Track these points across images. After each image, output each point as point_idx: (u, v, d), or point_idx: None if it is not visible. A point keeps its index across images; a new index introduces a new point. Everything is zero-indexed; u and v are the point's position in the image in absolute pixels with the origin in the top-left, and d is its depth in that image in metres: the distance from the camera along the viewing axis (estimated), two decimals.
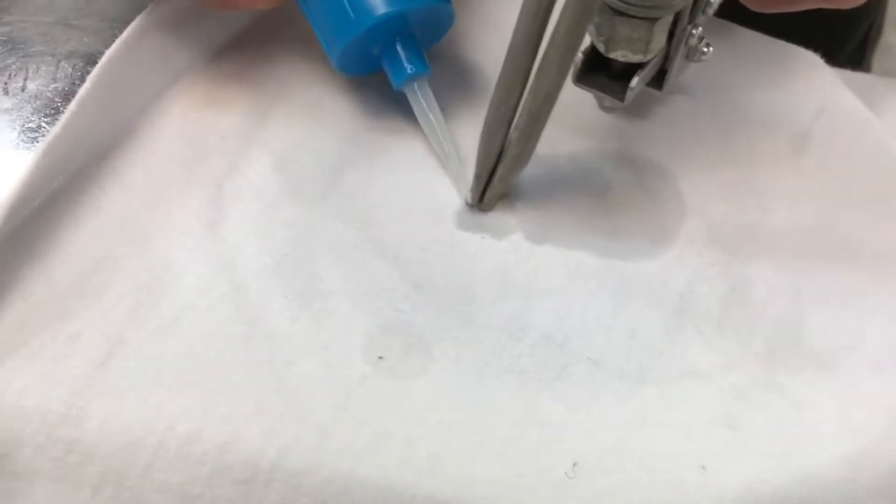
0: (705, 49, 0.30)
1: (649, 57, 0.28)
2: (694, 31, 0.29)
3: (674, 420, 0.26)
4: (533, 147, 0.28)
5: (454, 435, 0.26)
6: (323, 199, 0.31)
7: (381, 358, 0.27)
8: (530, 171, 0.30)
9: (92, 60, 0.34)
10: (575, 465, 0.25)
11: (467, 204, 0.31)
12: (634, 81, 0.29)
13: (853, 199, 0.31)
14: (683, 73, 0.32)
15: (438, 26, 0.32)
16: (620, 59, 0.28)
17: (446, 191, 0.31)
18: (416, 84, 0.31)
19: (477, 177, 0.29)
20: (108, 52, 0.32)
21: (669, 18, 0.28)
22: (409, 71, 0.31)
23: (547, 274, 0.29)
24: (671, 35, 0.29)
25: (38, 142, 0.32)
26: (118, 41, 0.32)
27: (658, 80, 0.31)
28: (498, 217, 0.31)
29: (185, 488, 0.25)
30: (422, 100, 0.31)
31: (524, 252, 0.30)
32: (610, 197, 0.31)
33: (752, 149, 0.32)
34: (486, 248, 0.30)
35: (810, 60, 0.34)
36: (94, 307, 0.28)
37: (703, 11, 0.29)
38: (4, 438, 0.25)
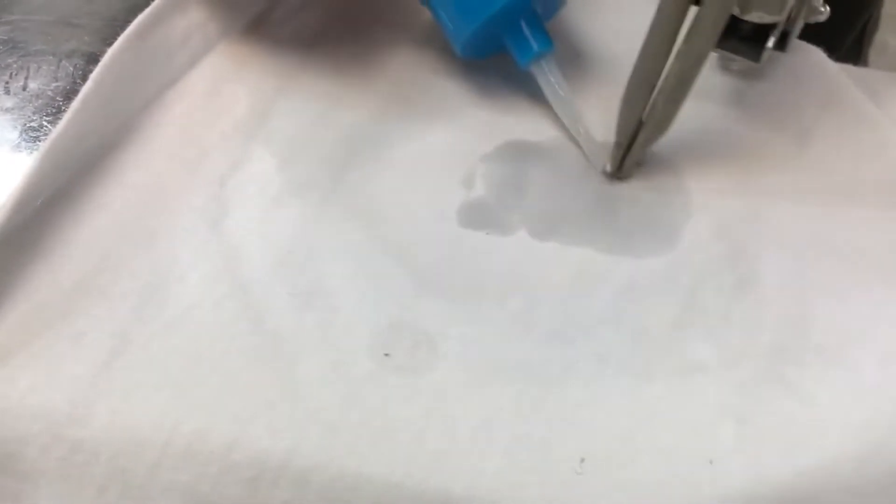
0: (822, 8, 0.30)
1: (783, 17, 0.28)
2: None
3: (681, 415, 0.26)
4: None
5: (461, 431, 0.26)
6: (327, 195, 0.31)
7: (387, 355, 0.27)
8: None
9: (93, 59, 0.34)
10: (583, 460, 0.25)
11: (605, 173, 0.31)
12: (771, 41, 0.29)
13: (859, 193, 0.31)
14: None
15: (555, 2, 0.33)
16: (756, 20, 0.28)
17: (450, 186, 0.31)
18: (542, 62, 0.31)
19: (618, 144, 0.29)
20: (110, 51, 0.31)
21: None
22: (535, 49, 0.31)
23: (553, 270, 0.29)
24: None
25: (39, 141, 0.32)
26: (120, 40, 0.32)
27: (781, 41, 0.31)
28: (503, 213, 0.30)
29: (192, 487, 0.24)
30: (550, 77, 0.31)
31: (530, 248, 0.30)
32: (616, 193, 0.31)
33: (757, 144, 0.32)
34: (491, 245, 0.30)
35: (814, 55, 0.34)
36: (98, 306, 0.28)
37: None
38: (9, 438, 0.25)
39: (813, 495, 0.25)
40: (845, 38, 0.59)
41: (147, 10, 0.33)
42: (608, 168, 0.30)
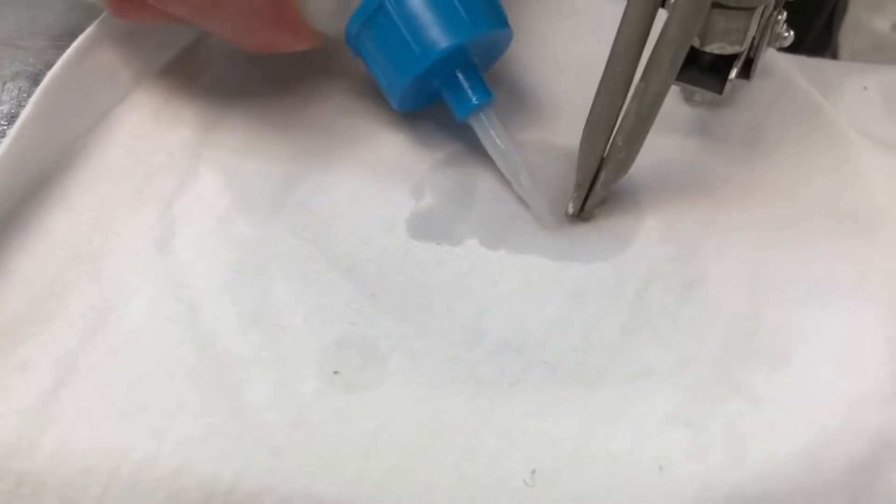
0: (786, 34, 0.29)
1: (745, 48, 0.27)
2: (780, 17, 0.28)
3: (631, 421, 0.26)
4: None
5: (411, 447, 0.26)
6: (274, 212, 0.30)
7: (336, 373, 0.27)
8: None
9: (38, 81, 0.33)
10: (533, 472, 0.25)
11: (567, 215, 0.30)
12: (733, 73, 0.29)
13: (807, 190, 0.31)
14: None
15: (495, 51, 0.32)
16: (716, 51, 0.27)
17: (399, 198, 0.31)
18: (481, 113, 0.30)
19: (578, 185, 0.29)
20: (50, 73, 0.31)
21: (762, 10, 0.27)
22: (474, 101, 0.30)
23: (502, 279, 0.29)
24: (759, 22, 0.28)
25: None
26: (60, 62, 0.31)
27: (745, 69, 0.30)
28: (450, 223, 0.30)
29: None
30: (489, 128, 0.30)
31: (479, 258, 0.29)
32: (563, 198, 0.31)
33: (704, 142, 0.32)
34: (440, 256, 0.30)
35: (781, 73, 0.34)
36: (43, 334, 0.28)
37: None
38: None
39: (763, 497, 0.24)
40: (813, 20, 0.59)
41: (87, 31, 0.32)
42: (570, 210, 0.30)
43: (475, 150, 0.32)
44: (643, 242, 0.30)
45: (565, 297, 0.28)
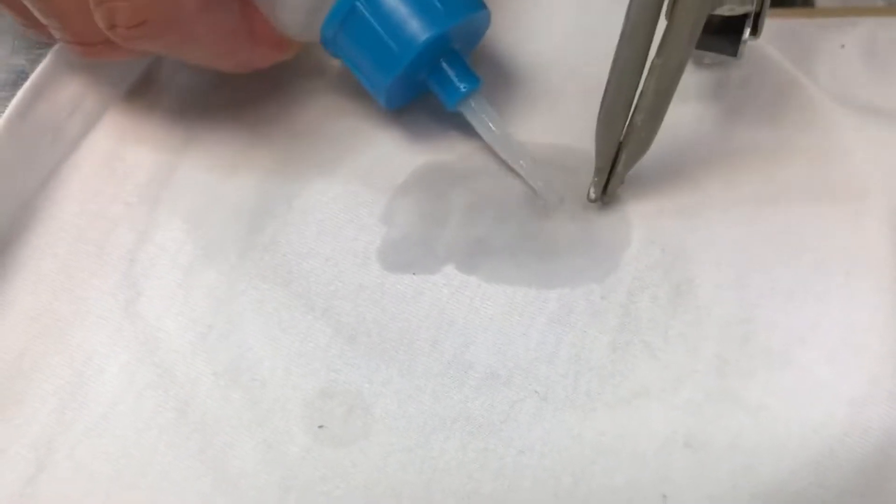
0: None
1: (754, 5, 0.26)
2: None
3: (629, 448, 0.25)
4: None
5: (407, 499, 0.25)
6: (242, 257, 0.29)
7: (321, 427, 0.26)
8: None
9: None
10: None
11: (590, 199, 0.29)
12: (746, 33, 0.27)
13: (787, 175, 0.29)
14: None
15: (476, 33, 0.31)
16: (726, 13, 0.26)
17: (370, 226, 0.30)
18: (471, 101, 0.29)
19: (599, 169, 0.28)
20: None
21: None
22: (462, 90, 0.29)
23: (483, 305, 0.28)
24: None
25: None
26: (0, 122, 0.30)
27: (753, 25, 0.29)
28: (425, 248, 0.29)
29: None
30: (482, 115, 0.29)
31: (457, 284, 0.28)
32: (538, 210, 0.30)
33: (679, 132, 0.31)
34: (418, 286, 0.28)
35: (757, 49, 0.33)
36: (16, 417, 0.27)
37: None
38: None
39: None
40: None
41: (25, 86, 0.31)
42: (591, 195, 0.29)
43: (441, 160, 0.31)
44: (625, 249, 0.29)
45: (550, 318, 0.27)
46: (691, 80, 0.32)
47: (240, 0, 0.27)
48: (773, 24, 0.35)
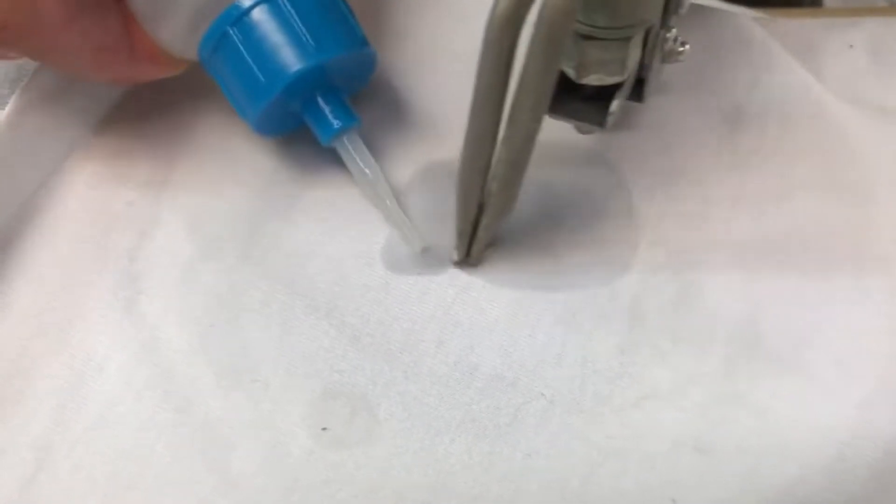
0: (681, 48, 0.26)
1: (626, 76, 0.25)
2: (668, 35, 0.26)
3: (638, 451, 0.25)
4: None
5: (410, 503, 0.24)
6: (243, 256, 0.29)
7: (325, 429, 0.26)
8: None
9: None
10: None
11: (453, 262, 0.28)
12: (614, 105, 0.26)
13: (795, 178, 0.29)
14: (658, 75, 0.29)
15: (361, 72, 0.30)
16: (595, 83, 0.25)
17: (372, 230, 0.29)
18: (345, 138, 0.28)
19: (460, 233, 0.27)
20: None
21: (642, 33, 0.25)
22: (335, 126, 0.28)
23: (489, 306, 0.28)
24: (644, 43, 0.26)
25: None
26: (2, 118, 0.29)
27: (637, 91, 0.28)
28: (432, 250, 0.29)
29: None
30: (354, 154, 0.28)
31: (462, 284, 0.28)
32: (546, 212, 0.29)
33: (685, 132, 0.30)
34: (423, 286, 0.28)
35: (738, 24, 0.32)
36: (15, 417, 0.26)
37: (676, 12, 0.25)
38: None
39: None
40: None
41: (25, 83, 0.30)
42: (455, 257, 0.28)
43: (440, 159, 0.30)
44: (631, 251, 0.28)
45: (556, 320, 0.27)
46: (695, 80, 0.32)
47: (121, 14, 0.26)
48: (780, 23, 0.34)
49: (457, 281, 0.28)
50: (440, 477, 0.25)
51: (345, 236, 0.29)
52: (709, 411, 0.25)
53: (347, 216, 0.30)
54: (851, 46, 0.34)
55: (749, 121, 0.31)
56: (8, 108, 0.30)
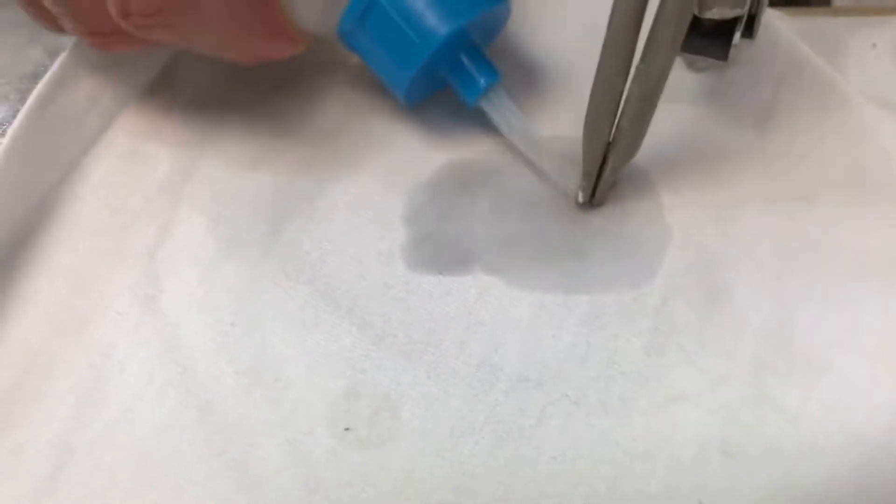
0: None
1: (746, 9, 0.25)
2: None
3: (665, 453, 0.24)
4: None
5: None
6: (264, 254, 0.29)
7: (347, 429, 0.25)
8: None
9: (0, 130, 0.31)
10: None
11: (578, 203, 0.28)
12: (736, 37, 0.26)
13: (826, 178, 0.29)
14: None
15: (496, 26, 0.30)
16: (717, 16, 0.25)
17: (394, 224, 0.29)
18: (491, 94, 0.29)
19: (587, 174, 0.27)
20: (11, 129, 0.29)
21: None
22: (482, 84, 0.28)
23: (512, 305, 0.27)
24: None
25: None
26: (20, 115, 0.29)
27: (748, 26, 0.28)
28: (452, 248, 0.28)
29: None
30: (503, 109, 0.29)
31: (485, 284, 0.28)
32: (571, 212, 0.29)
33: (714, 132, 0.30)
34: (444, 286, 0.28)
35: (765, 24, 0.32)
36: (34, 413, 0.26)
37: None
38: None
39: None
40: None
41: (45, 79, 0.30)
42: (580, 198, 0.28)
43: (465, 157, 0.30)
44: (658, 251, 0.28)
45: (581, 320, 0.27)
46: (723, 81, 0.31)
47: None
48: (799, 22, 0.34)
49: (479, 281, 0.28)
50: (464, 479, 0.24)
51: (365, 234, 0.29)
52: (737, 414, 0.25)
53: (367, 214, 0.29)
54: (874, 45, 0.33)
55: (778, 121, 0.30)
56: (28, 103, 0.30)
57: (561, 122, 0.31)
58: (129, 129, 0.31)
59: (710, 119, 0.30)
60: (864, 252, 0.27)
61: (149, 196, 0.30)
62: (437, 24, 0.27)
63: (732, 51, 0.27)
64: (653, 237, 0.28)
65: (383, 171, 0.30)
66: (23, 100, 0.31)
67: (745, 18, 0.27)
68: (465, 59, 0.28)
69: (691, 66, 0.29)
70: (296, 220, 0.29)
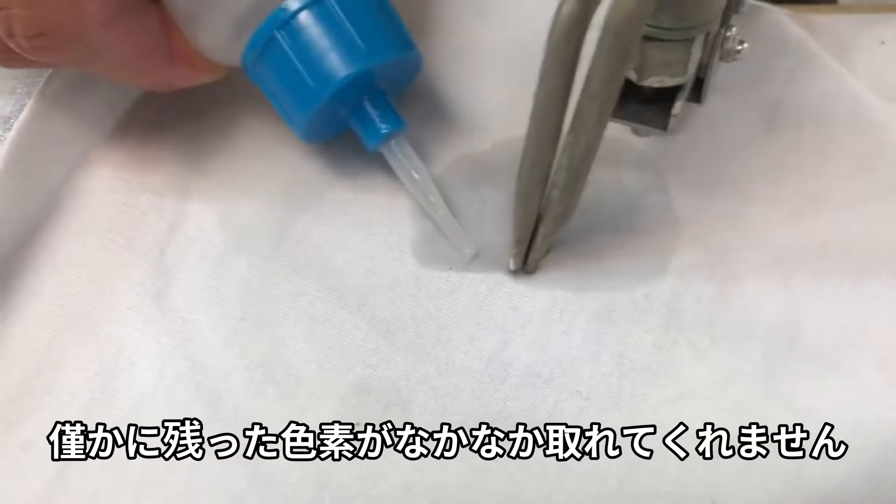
0: (739, 47, 0.26)
1: (688, 77, 0.25)
2: (728, 34, 0.25)
3: (676, 451, 0.24)
4: (577, 202, 0.25)
5: (445, 500, 0.24)
6: (274, 249, 0.29)
7: (357, 424, 0.25)
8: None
9: (6, 124, 0.31)
10: None
11: (510, 270, 0.28)
12: (677, 107, 0.25)
13: (834, 175, 0.29)
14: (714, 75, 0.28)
15: (406, 74, 0.29)
16: (656, 85, 0.24)
17: (401, 224, 0.29)
18: (392, 143, 0.28)
19: (518, 242, 0.26)
20: (18, 123, 0.29)
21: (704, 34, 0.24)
22: (383, 131, 0.27)
23: (522, 301, 0.27)
24: (704, 43, 0.25)
25: None
26: (26, 110, 0.29)
27: (695, 91, 0.27)
28: (461, 244, 0.28)
29: None
30: (402, 159, 0.28)
31: (496, 280, 0.28)
32: (583, 210, 0.29)
33: (722, 128, 0.30)
34: (455, 281, 0.28)
35: (773, 20, 0.32)
36: (45, 408, 0.26)
37: (736, 11, 0.25)
38: None
39: None
40: None
41: (52, 73, 0.30)
42: (511, 266, 0.27)
43: (478, 150, 0.30)
44: (668, 247, 0.28)
45: (592, 317, 0.27)
46: (732, 79, 0.31)
47: (159, 19, 0.26)
48: (807, 19, 0.34)
49: (490, 276, 0.28)
50: (475, 475, 0.24)
51: (374, 231, 0.29)
52: (748, 411, 0.25)
53: (377, 209, 0.29)
54: (882, 42, 0.33)
55: (787, 119, 0.30)
56: (34, 97, 0.30)
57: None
58: (137, 125, 0.31)
59: (719, 117, 0.30)
60: (872, 250, 0.27)
61: (158, 191, 0.30)
62: (335, 68, 0.25)
63: (673, 120, 0.25)
64: (663, 234, 0.28)
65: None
66: (30, 93, 0.30)
67: (688, 89, 0.26)
68: (367, 105, 0.27)
69: (635, 131, 0.28)
70: (305, 215, 0.29)
